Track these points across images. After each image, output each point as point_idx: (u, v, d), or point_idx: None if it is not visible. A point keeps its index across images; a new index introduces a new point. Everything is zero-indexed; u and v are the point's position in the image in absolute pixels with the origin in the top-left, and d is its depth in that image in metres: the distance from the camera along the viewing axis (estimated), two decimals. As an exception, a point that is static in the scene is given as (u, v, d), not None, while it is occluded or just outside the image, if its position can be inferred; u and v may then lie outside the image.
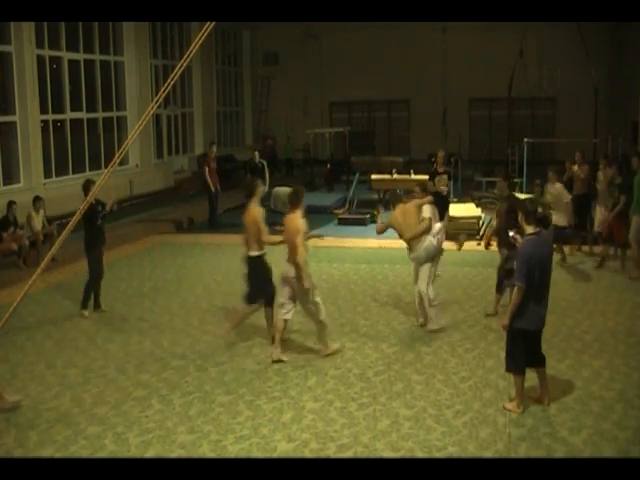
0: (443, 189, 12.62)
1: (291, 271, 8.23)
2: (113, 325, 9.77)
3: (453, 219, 14.15)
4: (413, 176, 17.31)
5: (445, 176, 13.01)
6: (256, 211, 8.70)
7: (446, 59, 24.92)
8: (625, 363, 8.17)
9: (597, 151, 19.54)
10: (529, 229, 6.86)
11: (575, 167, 13.73)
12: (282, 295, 8.48)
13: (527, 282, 6.67)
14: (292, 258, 8.23)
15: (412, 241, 9.17)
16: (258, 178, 17.54)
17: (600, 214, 12.93)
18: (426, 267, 9.20)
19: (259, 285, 8.75)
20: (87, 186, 9.76)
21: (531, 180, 17.59)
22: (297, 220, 8.28)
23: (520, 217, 6.98)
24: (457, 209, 14.82)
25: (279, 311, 8.48)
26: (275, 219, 16.50)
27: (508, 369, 7.11)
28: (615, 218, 11.96)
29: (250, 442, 6.44)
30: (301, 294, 8.32)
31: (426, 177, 17.01)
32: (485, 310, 10.09)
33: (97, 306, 10.28)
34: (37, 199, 13.69)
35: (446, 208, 12.96)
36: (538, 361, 7.18)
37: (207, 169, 16.48)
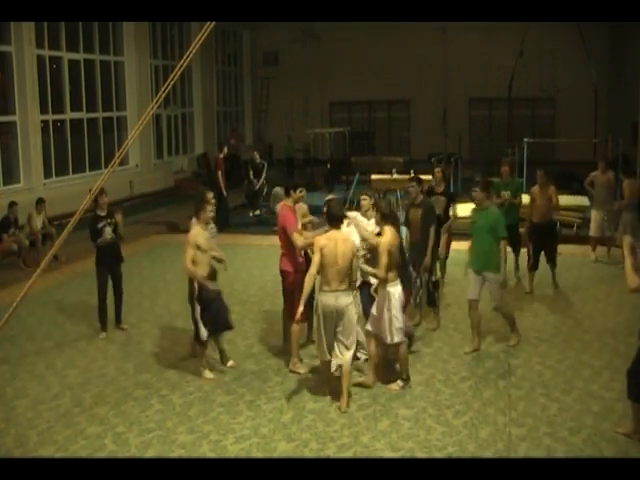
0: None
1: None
2: (113, 325, 9.76)
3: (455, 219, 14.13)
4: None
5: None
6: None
7: (446, 59, 24.91)
8: (625, 363, 8.09)
9: (597, 151, 19.53)
10: None
11: (536, 189, 11.02)
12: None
13: None
14: None
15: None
16: (259, 178, 17.79)
17: (597, 219, 12.71)
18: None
19: None
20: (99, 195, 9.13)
21: (531, 180, 17.59)
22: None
23: None
24: (456, 209, 14.79)
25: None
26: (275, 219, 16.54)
27: (629, 395, 6.40)
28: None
29: (250, 442, 6.44)
30: None
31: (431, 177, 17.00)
32: (485, 310, 10.10)
33: (117, 322, 9.67)
34: (40, 201, 13.73)
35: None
36: None
37: (220, 172, 16.46)
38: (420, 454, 6.18)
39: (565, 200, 15.62)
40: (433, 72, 25.50)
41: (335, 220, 7.22)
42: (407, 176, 17.12)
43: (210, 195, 8.20)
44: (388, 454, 6.19)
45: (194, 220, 8.10)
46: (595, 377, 7.75)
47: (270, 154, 26.69)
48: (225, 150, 17.06)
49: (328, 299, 7.03)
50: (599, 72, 21.96)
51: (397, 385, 7.51)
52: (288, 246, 7.97)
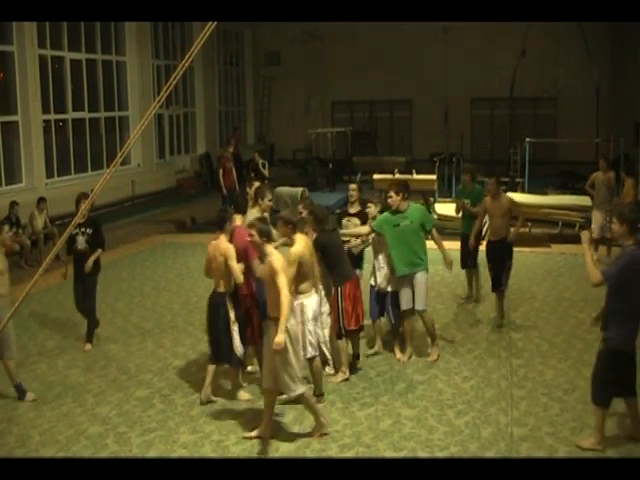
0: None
1: None
2: (115, 325, 9.78)
3: (453, 219, 14.15)
4: (415, 176, 17.31)
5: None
6: None
7: (448, 59, 24.88)
8: (627, 363, 8.15)
9: (599, 151, 19.51)
10: (630, 240, 6.04)
11: (487, 200, 9.58)
12: None
13: (627, 295, 6.01)
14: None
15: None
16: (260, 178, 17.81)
17: (598, 219, 12.65)
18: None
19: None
20: (77, 199, 8.70)
21: (533, 180, 17.62)
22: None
23: (621, 226, 6.04)
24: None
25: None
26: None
27: (595, 400, 6.26)
28: (354, 290, 7.77)
29: (252, 442, 6.43)
30: None
31: (433, 177, 17.03)
32: (486, 310, 10.10)
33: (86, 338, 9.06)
34: (41, 200, 13.75)
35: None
36: (630, 390, 6.32)
37: (222, 170, 16.53)
38: (422, 454, 6.19)
39: (567, 200, 15.66)
40: (435, 72, 25.47)
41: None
42: (409, 176, 17.27)
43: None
44: (390, 454, 6.19)
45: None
46: (597, 377, 7.74)
47: (272, 154, 26.70)
48: (231, 149, 17.16)
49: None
50: (601, 72, 21.94)
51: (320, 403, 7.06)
52: (246, 268, 7.25)
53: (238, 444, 6.41)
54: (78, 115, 18.42)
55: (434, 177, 17.30)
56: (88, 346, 8.93)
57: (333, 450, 6.28)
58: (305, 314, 6.91)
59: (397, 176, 17.01)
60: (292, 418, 6.89)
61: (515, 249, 10.71)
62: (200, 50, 5.30)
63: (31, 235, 13.36)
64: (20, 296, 6.47)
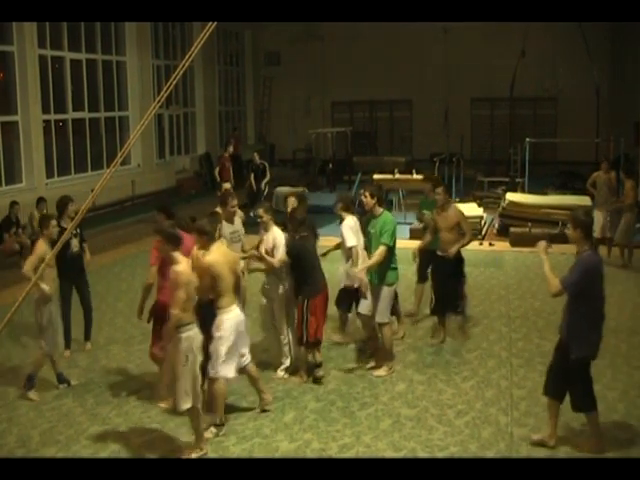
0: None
1: None
2: (115, 325, 9.78)
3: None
4: (415, 176, 17.30)
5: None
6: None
7: (448, 59, 24.88)
8: (627, 363, 8.17)
9: (599, 151, 19.50)
10: (585, 245, 6.02)
11: (436, 210, 8.94)
12: None
13: (588, 301, 5.98)
14: None
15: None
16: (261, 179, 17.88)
17: (599, 219, 12.60)
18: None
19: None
20: (63, 203, 8.53)
21: (533, 180, 17.62)
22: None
23: (575, 231, 6.05)
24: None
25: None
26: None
27: (580, 408, 6.24)
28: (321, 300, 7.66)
29: (252, 442, 6.44)
30: None
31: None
32: (486, 310, 10.09)
33: (84, 339, 9.00)
34: (41, 200, 13.75)
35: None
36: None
37: (218, 169, 16.70)
38: (422, 454, 6.19)
39: (567, 200, 15.66)
40: (435, 72, 25.47)
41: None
42: (409, 176, 17.27)
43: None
44: (390, 454, 6.19)
45: None
46: (597, 377, 7.67)
47: (272, 154, 26.69)
48: (231, 149, 17.22)
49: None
50: (601, 72, 21.94)
51: (211, 432, 6.51)
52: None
53: (238, 444, 6.41)
54: (78, 115, 18.44)
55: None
56: (88, 345, 8.95)
57: (333, 450, 6.28)
58: (221, 330, 6.43)
59: (397, 176, 17.04)
60: (292, 418, 6.90)
61: (515, 249, 10.70)
62: (200, 50, 5.31)
63: (31, 235, 13.35)
64: (20, 296, 6.48)
